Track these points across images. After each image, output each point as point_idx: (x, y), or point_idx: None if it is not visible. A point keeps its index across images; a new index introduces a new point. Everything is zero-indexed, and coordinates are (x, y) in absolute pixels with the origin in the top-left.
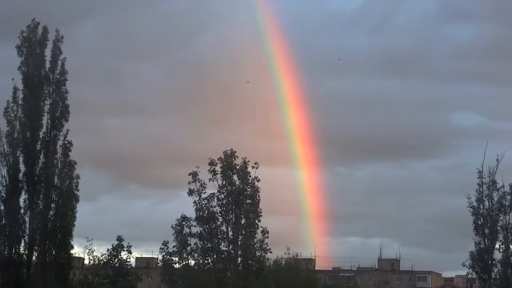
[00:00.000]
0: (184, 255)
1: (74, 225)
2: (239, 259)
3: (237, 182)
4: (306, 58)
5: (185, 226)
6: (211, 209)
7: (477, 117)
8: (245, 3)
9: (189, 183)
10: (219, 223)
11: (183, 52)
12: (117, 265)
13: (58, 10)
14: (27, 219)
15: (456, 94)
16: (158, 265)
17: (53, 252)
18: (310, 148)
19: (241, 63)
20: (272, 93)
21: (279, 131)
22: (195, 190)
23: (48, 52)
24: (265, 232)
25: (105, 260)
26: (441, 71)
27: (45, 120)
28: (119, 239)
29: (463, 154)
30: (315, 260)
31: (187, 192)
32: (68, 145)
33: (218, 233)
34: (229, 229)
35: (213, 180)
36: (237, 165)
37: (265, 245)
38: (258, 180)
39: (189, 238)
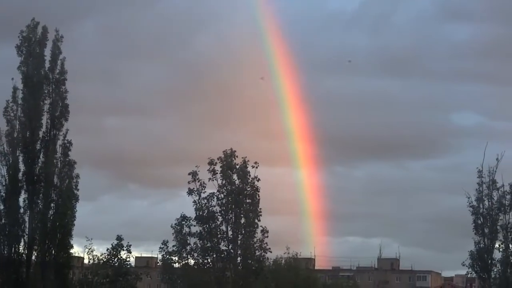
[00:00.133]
0: (184, 255)
1: (74, 225)
2: (238, 258)
3: (237, 182)
4: (306, 58)
5: (184, 226)
6: (210, 208)
7: (476, 116)
8: (245, 3)
9: (188, 182)
10: (218, 222)
11: (182, 52)
12: (116, 264)
13: (57, 9)
14: (26, 219)
15: (455, 93)
16: (158, 264)
17: (53, 252)
18: (310, 148)
19: (241, 63)
20: (272, 93)
21: (279, 131)
22: (195, 189)
23: (47, 52)
24: (264, 231)
25: (104, 260)
26: (440, 70)
27: (44, 119)
28: (119, 238)
29: (462, 153)
30: (314, 259)
31: (187, 192)
32: (68, 144)
33: (218, 233)
34: (229, 228)
35: (213, 180)
36: (237, 164)
37: (265, 245)
38: (258, 180)
39: (188, 238)
